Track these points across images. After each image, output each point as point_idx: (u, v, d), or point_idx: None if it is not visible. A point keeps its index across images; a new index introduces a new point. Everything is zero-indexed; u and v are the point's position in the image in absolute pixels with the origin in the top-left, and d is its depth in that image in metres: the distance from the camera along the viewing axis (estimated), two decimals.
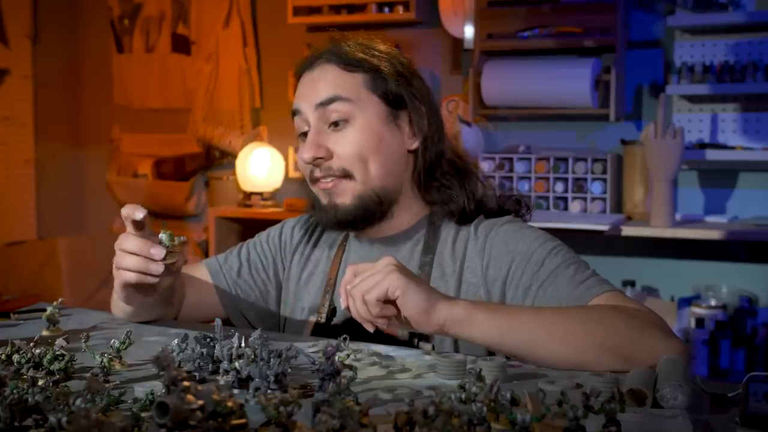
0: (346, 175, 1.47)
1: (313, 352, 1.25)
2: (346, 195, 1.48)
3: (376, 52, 1.52)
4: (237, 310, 1.63)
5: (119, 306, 1.54)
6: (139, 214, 1.33)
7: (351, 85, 1.48)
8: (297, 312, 1.60)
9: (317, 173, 1.49)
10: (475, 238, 1.48)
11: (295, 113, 1.53)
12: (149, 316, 1.54)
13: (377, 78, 1.49)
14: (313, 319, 1.56)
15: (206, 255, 4.18)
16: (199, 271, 1.64)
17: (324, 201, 1.51)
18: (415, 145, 1.52)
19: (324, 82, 1.49)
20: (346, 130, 1.47)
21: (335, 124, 1.48)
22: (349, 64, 1.49)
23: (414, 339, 1.44)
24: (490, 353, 1.32)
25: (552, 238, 1.46)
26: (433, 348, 1.42)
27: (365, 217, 1.49)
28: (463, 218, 1.51)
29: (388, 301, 1.23)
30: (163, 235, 1.34)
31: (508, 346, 1.24)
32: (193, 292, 1.60)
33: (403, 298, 1.21)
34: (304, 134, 1.51)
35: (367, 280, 1.23)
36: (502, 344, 1.24)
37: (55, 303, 1.46)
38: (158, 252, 1.33)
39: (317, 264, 1.62)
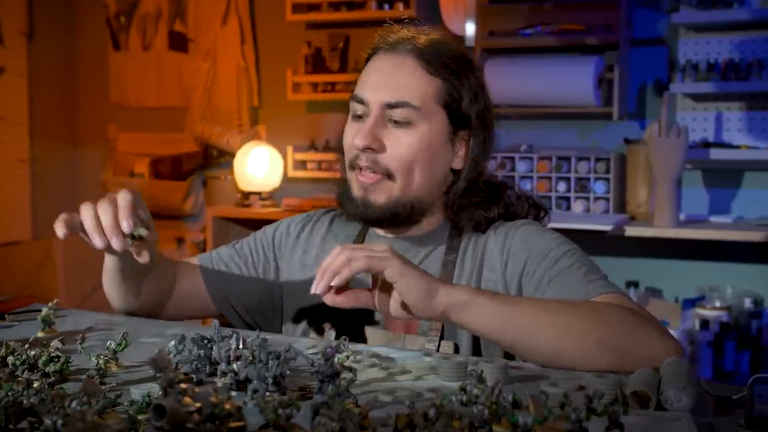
0: (389, 176, 1.45)
1: (312, 354, 1.23)
2: (382, 194, 1.46)
3: (457, 62, 1.48)
4: (225, 301, 1.62)
5: (106, 280, 1.53)
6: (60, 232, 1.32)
7: (425, 92, 1.45)
8: (306, 306, 1.57)
9: (362, 161, 1.46)
10: (495, 238, 1.49)
11: (356, 97, 1.48)
12: (137, 295, 1.54)
13: (452, 92, 1.47)
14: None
15: None
16: (193, 261, 1.66)
17: (356, 193, 1.49)
18: (460, 165, 1.51)
19: (399, 79, 1.45)
20: (404, 132, 1.45)
21: (395, 121, 1.45)
22: (431, 66, 1.46)
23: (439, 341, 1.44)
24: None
25: (569, 241, 1.47)
26: (457, 350, 1.42)
27: (392, 220, 1.49)
28: (487, 227, 1.51)
29: (384, 289, 1.23)
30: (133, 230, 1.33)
31: (507, 334, 1.23)
32: (184, 281, 1.60)
33: (402, 283, 1.19)
34: (359, 116, 1.48)
35: (364, 251, 1.21)
36: (502, 330, 1.23)
37: (50, 304, 1.44)
38: (128, 225, 1.31)
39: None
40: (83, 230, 1.32)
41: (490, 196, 1.51)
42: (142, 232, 1.33)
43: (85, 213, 1.31)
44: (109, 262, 1.48)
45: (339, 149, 1.55)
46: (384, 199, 1.46)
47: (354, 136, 1.45)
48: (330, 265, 1.22)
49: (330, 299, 1.27)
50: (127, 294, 1.53)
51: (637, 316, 1.26)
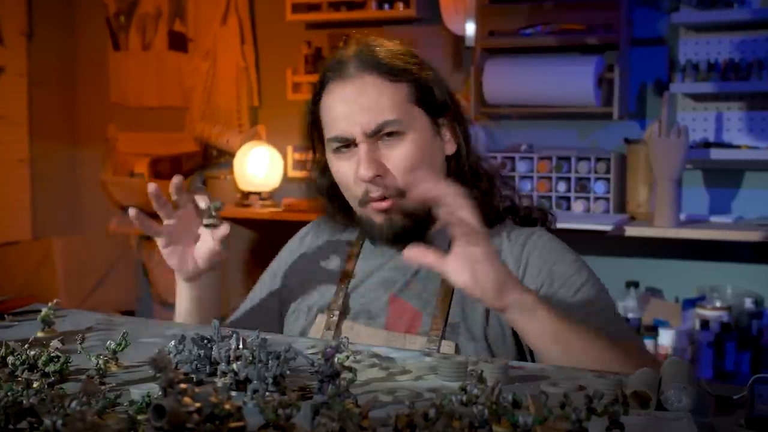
0: (401, 194, 1.44)
1: (312, 354, 1.22)
2: (400, 213, 1.45)
3: (409, 57, 1.47)
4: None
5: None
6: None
7: (397, 101, 1.43)
8: (303, 310, 1.57)
9: (374, 194, 1.44)
10: (510, 245, 1.48)
11: (337, 138, 1.46)
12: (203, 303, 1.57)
13: (421, 88, 1.46)
14: (322, 318, 1.53)
15: None
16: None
17: (377, 220, 1.47)
18: (452, 149, 1.50)
19: (369, 102, 1.43)
20: (396, 143, 1.44)
21: (384, 137, 1.44)
22: (391, 73, 1.44)
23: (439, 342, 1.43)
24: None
25: (586, 265, 1.47)
26: (458, 350, 1.41)
27: (420, 231, 1.47)
28: (491, 222, 1.50)
29: (459, 259, 1.22)
30: (210, 204, 1.47)
31: (554, 349, 1.25)
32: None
33: (483, 266, 1.21)
34: (346, 146, 1.46)
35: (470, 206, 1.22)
36: (552, 344, 1.25)
37: (50, 304, 1.44)
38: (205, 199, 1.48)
39: (328, 260, 1.60)
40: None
41: (489, 182, 1.51)
42: (218, 204, 1.45)
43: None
44: (183, 308, 1.55)
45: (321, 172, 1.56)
46: (401, 217, 1.45)
47: (356, 170, 1.43)
48: (435, 188, 1.21)
49: (407, 252, 1.26)
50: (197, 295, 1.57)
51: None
